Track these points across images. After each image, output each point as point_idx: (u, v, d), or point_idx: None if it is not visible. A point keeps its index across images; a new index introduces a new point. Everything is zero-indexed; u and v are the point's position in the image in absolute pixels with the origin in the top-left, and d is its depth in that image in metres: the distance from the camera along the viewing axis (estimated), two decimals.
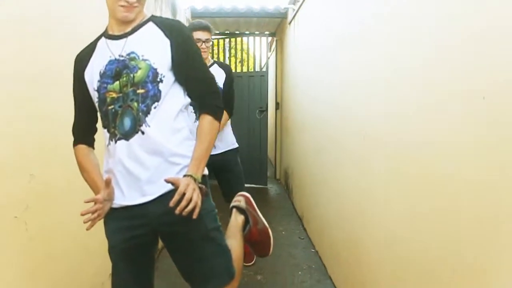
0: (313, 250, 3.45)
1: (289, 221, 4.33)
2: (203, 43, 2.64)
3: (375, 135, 2.06)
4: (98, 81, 1.50)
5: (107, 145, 1.54)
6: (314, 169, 3.65)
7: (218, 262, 1.59)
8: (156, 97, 1.48)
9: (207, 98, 1.59)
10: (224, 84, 2.75)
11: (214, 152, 2.39)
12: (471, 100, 1.23)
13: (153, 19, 1.57)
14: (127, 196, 1.50)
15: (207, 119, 1.56)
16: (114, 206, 1.52)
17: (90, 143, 1.63)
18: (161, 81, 1.49)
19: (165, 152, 1.48)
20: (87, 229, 1.43)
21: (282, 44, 6.13)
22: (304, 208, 4.15)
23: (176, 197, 1.35)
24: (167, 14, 3.74)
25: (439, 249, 1.42)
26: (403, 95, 1.74)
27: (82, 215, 1.41)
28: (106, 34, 1.56)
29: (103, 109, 1.52)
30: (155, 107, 1.47)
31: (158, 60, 1.49)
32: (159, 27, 1.53)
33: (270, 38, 6.91)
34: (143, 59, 1.48)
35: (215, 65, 2.81)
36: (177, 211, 1.35)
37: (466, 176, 1.26)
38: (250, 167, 5.37)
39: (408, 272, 1.68)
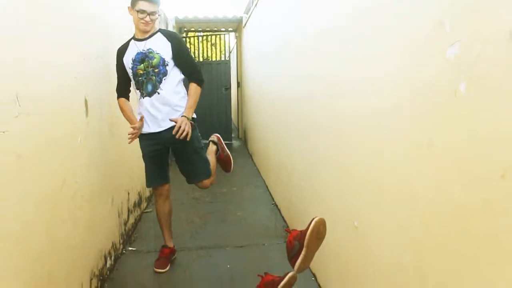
0: (255, 168, 5.80)
1: (244, 157, 6.68)
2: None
3: (293, 104, 3.42)
4: (131, 63, 2.51)
5: (139, 99, 2.57)
6: (258, 125, 5.89)
7: (203, 165, 2.70)
8: (164, 74, 2.52)
9: (192, 75, 2.62)
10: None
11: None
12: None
13: (161, 30, 2.59)
14: (151, 127, 2.54)
15: (193, 85, 2.62)
16: (143, 132, 2.55)
17: (127, 97, 2.68)
18: (167, 65, 2.52)
19: (171, 104, 2.54)
20: (129, 143, 2.51)
21: (241, 40, 8.34)
22: (253, 149, 6.46)
23: (176, 128, 2.42)
24: (162, 25, 5.90)
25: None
26: (315, 83, 2.70)
27: (129, 134, 2.45)
28: (134, 38, 2.57)
29: (135, 79, 2.53)
30: (164, 79, 2.52)
31: (164, 53, 2.52)
32: (164, 35, 2.57)
33: (232, 35, 9.18)
34: (156, 53, 2.50)
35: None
36: (177, 136, 2.41)
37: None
38: (218, 128, 7.59)
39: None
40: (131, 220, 3.44)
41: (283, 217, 3.68)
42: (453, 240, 1.07)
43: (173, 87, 2.58)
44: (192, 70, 2.66)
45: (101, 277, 2.48)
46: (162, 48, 2.55)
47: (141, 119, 2.57)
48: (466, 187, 1.01)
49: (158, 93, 2.54)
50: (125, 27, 3.04)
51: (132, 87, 2.69)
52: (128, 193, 3.39)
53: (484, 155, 0.94)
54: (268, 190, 4.61)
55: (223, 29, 8.69)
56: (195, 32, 8.78)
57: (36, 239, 1.62)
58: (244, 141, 8.06)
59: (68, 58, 2.06)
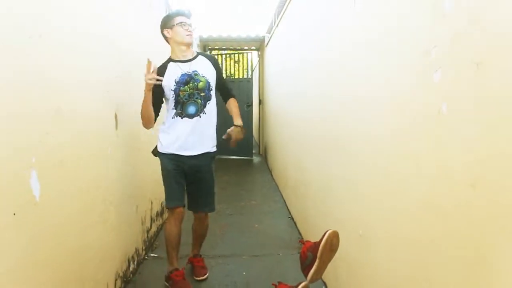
0: (274, 183, 5.95)
1: (264, 173, 6.83)
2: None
3: (309, 124, 4.23)
4: (174, 85, 2.51)
5: (172, 117, 2.53)
6: (278, 142, 6.07)
7: (213, 198, 2.82)
8: (209, 98, 2.59)
9: (229, 94, 2.83)
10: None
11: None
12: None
13: (200, 53, 2.66)
14: (184, 150, 2.56)
15: (232, 99, 2.83)
16: (169, 152, 2.56)
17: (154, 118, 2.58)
18: (211, 89, 2.60)
19: (211, 130, 2.65)
20: (155, 82, 2.36)
21: (263, 58, 8.59)
22: (273, 165, 6.61)
23: (234, 139, 2.68)
24: None
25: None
26: (332, 99, 3.70)
27: (149, 77, 2.34)
28: (173, 60, 2.56)
29: (176, 99, 2.50)
30: (208, 103, 2.59)
31: (210, 78, 2.59)
32: (207, 59, 2.65)
33: (254, 53, 9.45)
34: (202, 76, 2.54)
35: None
36: (232, 146, 2.73)
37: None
38: (240, 145, 7.79)
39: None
40: (153, 229, 3.62)
41: (298, 230, 3.81)
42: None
43: (214, 112, 2.68)
44: (228, 91, 2.85)
45: (124, 279, 2.66)
46: (207, 72, 2.62)
47: (149, 62, 2.41)
48: (451, 196, 1.15)
49: (200, 117, 2.58)
50: (149, 48, 3.29)
51: (167, 105, 2.65)
52: (151, 203, 3.58)
53: (456, 167, 1.08)
54: (286, 205, 4.74)
55: (246, 48, 8.96)
56: (219, 50, 9.09)
57: (71, 236, 1.82)
58: (265, 157, 8.22)
59: (100, 77, 2.28)
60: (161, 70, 2.54)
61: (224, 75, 3.14)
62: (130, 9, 2.96)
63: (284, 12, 5.12)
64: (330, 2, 2.66)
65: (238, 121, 2.74)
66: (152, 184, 3.58)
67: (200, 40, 7.65)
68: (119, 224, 2.57)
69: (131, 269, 2.83)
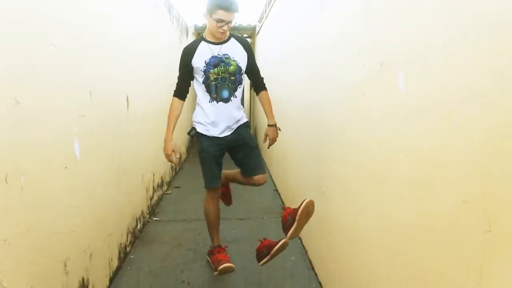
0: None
1: None
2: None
3: (291, 101, 4.96)
4: (204, 66, 2.51)
5: (209, 102, 2.56)
6: (266, 122, 6.59)
7: (261, 159, 2.83)
8: (240, 82, 2.60)
9: (261, 82, 2.79)
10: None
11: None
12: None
13: (233, 35, 2.62)
14: (223, 132, 2.60)
15: (265, 93, 2.80)
16: (210, 135, 2.59)
17: (183, 98, 2.67)
18: (242, 73, 2.60)
19: (241, 111, 2.69)
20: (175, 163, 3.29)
21: (255, 44, 9.05)
22: (261, 144, 7.14)
23: (272, 141, 2.81)
24: (183, 32, 6.63)
25: None
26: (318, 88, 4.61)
27: (170, 160, 2.59)
28: (205, 40, 2.56)
29: (206, 82, 2.53)
30: (239, 87, 2.60)
31: (241, 62, 2.58)
32: (239, 43, 2.62)
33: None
34: (233, 59, 2.54)
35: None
36: (269, 147, 2.87)
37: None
38: None
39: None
40: (155, 198, 4.17)
41: (282, 199, 4.38)
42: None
43: (241, 95, 2.69)
44: (260, 78, 2.81)
45: (134, 235, 3.22)
46: (239, 56, 2.60)
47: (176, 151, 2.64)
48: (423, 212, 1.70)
49: (232, 101, 2.60)
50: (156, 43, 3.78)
51: (198, 85, 2.64)
52: (154, 175, 4.12)
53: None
54: (272, 178, 5.29)
55: (239, 35, 9.40)
56: None
57: (98, 189, 2.38)
58: (255, 137, 8.77)
59: (115, 73, 2.80)
60: (191, 49, 2.58)
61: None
62: (136, 14, 3.46)
63: (273, 3, 5.58)
64: (302, 8, 3.16)
65: (272, 120, 2.78)
66: (154, 158, 4.11)
67: (195, 29, 8.09)
68: (129, 188, 3.11)
69: (138, 227, 3.38)
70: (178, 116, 2.70)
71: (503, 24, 0.90)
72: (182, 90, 2.68)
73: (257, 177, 2.73)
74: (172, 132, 2.64)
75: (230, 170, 2.93)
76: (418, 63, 1.27)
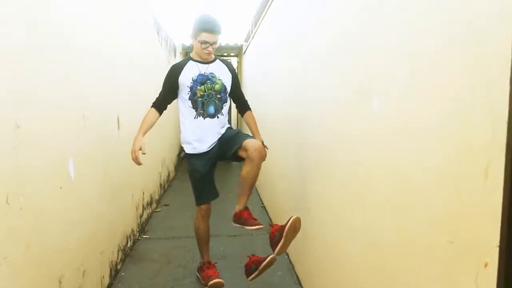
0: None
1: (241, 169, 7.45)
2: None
3: (287, 116, 5.08)
4: (191, 82, 2.65)
5: (194, 118, 2.67)
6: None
7: (244, 134, 2.68)
8: (225, 101, 2.77)
9: (245, 103, 2.96)
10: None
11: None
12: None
13: (218, 58, 2.81)
14: (209, 146, 2.71)
15: (250, 113, 2.96)
16: (198, 152, 2.71)
17: (160, 111, 2.76)
18: (227, 93, 2.78)
19: (224, 127, 2.77)
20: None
21: (241, 65, 9.22)
22: None
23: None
24: (171, 52, 6.76)
25: None
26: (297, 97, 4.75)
27: (136, 161, 2.57)
28: (193, 59, 2.72)
29: (192, 98, 2.65)
30: (224, 105, 2.76)
31: (226, 81, 2.76)
32: (224, 64, 2.81)
33: (234, 59, 10.09)
34: (218, 78, 2.71)
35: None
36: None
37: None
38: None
39: None
40: (145, 216, 4.22)
41: (269, 216, 4.46)
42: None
43: (227, 115, 2.81)
44: (244, 100, 2.98)
45: (124, 252, 3.27)
46: (224, 76, 2.76)
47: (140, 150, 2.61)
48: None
49: (218, 117, 2.73)
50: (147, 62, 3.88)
51: (182, 104, 2.72)
52: (143, 193, 4.18)
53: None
54: (259, 195, 5.38)
55: (226, 54, 9.58)
56: None
57: (92, 208, 2.45)
58: None
59: (106, 94, 2.89)
60: (179, 67, 2.69)
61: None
62: (126, 38, 3.57)
63: (259, 24, 5.75)
64: (288, 30, 3.31)
65: (258, 138, 2.85)
66: (143, 176, 4.17)
67: (183, 48, 8.23)
68: (119, 206, 3.17)
69: (128, 245, 3.43)
70: (152, 125, 2.74)
71: (468, 49, 1.02)
72: (161, 104, 2.76)
73: (249, 145, 2.49)
74: (143, 135, 2.65)
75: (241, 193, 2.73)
76: (391, 87, 1.39)
